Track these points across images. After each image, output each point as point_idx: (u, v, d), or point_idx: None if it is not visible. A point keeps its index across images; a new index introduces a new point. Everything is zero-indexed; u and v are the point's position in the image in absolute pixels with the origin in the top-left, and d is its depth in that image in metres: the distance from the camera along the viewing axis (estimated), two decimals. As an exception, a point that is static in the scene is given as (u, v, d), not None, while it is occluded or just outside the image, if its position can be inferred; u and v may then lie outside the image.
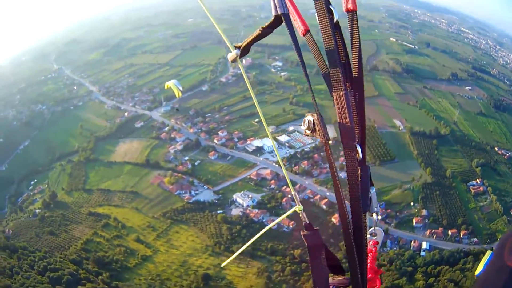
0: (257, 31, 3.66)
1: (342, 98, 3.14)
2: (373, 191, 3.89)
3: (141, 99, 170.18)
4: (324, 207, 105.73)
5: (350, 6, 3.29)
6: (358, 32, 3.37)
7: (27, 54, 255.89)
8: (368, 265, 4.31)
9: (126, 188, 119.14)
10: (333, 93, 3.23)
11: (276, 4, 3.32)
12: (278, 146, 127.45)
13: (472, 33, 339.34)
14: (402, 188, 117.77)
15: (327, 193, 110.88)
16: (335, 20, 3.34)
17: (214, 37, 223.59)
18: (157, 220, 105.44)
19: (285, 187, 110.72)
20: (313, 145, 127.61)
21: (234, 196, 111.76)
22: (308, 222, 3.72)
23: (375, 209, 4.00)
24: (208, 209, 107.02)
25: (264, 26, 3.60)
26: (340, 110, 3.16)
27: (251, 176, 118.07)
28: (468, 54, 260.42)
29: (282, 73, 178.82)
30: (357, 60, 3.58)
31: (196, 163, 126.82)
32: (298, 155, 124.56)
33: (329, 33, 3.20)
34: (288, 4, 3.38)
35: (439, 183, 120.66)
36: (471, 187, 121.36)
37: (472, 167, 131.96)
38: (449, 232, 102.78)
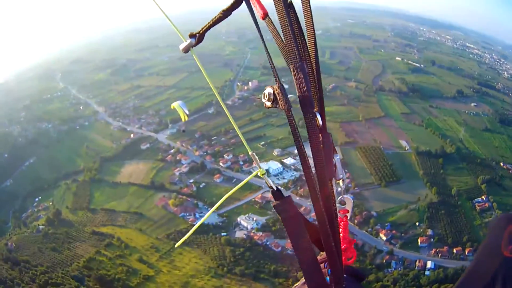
0: (218, 14, 3.71)
1: (299, 70, 3.19)
2: (336, 157, 3.96)
3: (147, 121, 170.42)
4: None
5: None
6: (310, 9, 3.52)
7: (32, 71, 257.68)
8: (341, 234, 4.32)
9: (131, 209, 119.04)
10: (290, 66, 3.28)
11: None
12: (284, 169, 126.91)
13: (477, 48, 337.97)
14: (408, 208, 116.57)
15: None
16: (289, 0, 3.39)
17: (221, 60, 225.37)
18: (160, 241, 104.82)
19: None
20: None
21: (239, 219, 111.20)
22: (275, 188, 3.55)
23: (341, 175, 4.03)
24: (212, 232, 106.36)
25: (225, 9, 3.64)
26: (297, 81, 3.22)
27: (256, 199, 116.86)
28: (473, 69, 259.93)
29: (289, 95, 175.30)
30: (312, 35, 3.71)
31: (201, 186, 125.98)
32: (304, 178, 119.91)
33: (283, 11, 3.23)
34: None
35: (444, 202, 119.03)
36: (476, 204, 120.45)
37: (478, 184, 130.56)
38: (454, 250, 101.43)
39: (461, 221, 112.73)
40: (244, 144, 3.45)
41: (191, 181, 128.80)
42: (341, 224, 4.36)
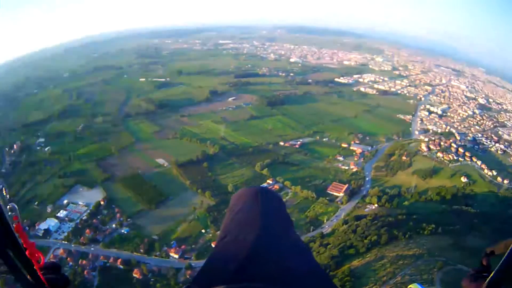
0: None
1: None
2: None
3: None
4: (121, 266, 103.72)
5: None
6: None
7: None
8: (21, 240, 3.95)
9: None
10: None
11: None
12: (61, 223, 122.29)
13: (233, 42, 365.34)
14: (187, 221, 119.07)
15: (119, 253, 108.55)
16: None
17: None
18: None
19: (81, 260, 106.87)
20: (88, 211, 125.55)
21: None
22: None
23: (1, 186, 3.97)
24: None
25: None
26: None
27: (51, 259, 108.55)
28: (228, 65, 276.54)
29: (46, 148, 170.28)
30: None
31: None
32: (80, 226, 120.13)
33: None
34: None
35: (224, 201, 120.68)
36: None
37: (257, 171, 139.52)
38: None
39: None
40: None
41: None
42: (18, 230, 4.01)
